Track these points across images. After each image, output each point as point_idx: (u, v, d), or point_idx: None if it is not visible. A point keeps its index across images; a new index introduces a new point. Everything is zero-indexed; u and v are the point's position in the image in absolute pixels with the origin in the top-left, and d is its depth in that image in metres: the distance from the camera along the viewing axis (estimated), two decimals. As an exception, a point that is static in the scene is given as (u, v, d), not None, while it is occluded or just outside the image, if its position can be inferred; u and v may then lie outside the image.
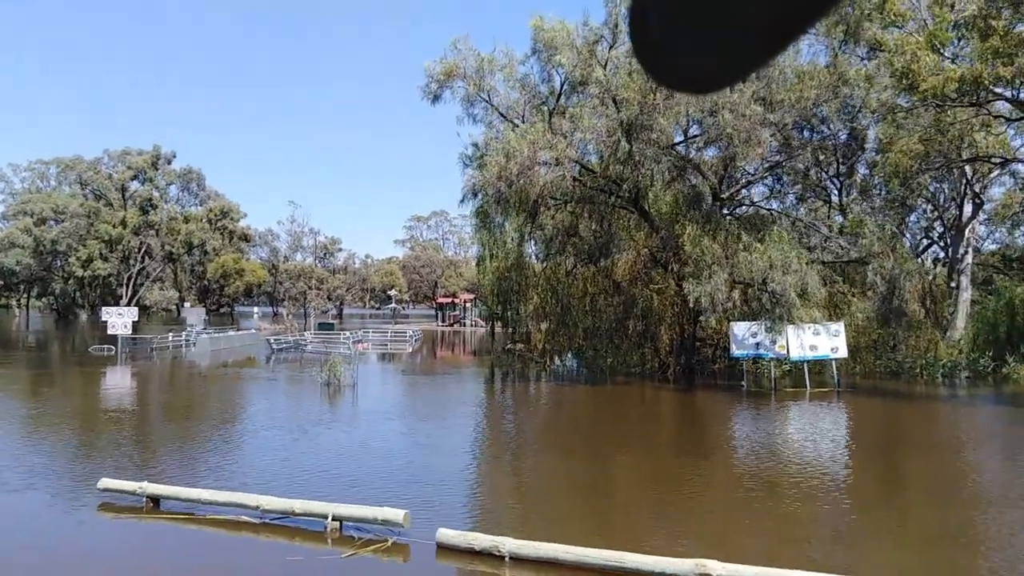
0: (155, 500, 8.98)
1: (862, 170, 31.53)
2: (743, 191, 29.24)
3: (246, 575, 7.41)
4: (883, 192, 31.14)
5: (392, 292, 77.48)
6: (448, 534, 7.44)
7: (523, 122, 23.28)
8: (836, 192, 32.44)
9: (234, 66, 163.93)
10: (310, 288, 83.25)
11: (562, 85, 25.59)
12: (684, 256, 25.41)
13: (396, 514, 7.81)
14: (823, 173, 31.71)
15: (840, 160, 28.98)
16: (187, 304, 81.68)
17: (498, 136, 22.99)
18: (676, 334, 26.91)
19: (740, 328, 23.10)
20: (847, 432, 16.85)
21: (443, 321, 77.48)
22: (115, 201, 70.14)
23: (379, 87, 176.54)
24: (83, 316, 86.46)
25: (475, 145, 24.19)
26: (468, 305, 78.02)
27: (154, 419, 17.41)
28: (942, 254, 38.98)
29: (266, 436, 14.33)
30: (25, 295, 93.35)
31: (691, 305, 21.15)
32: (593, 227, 24.37)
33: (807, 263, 20.35)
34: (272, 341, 37.66)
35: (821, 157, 28.10)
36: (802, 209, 30.12)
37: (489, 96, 23.68)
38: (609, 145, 21.88)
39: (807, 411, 19.23)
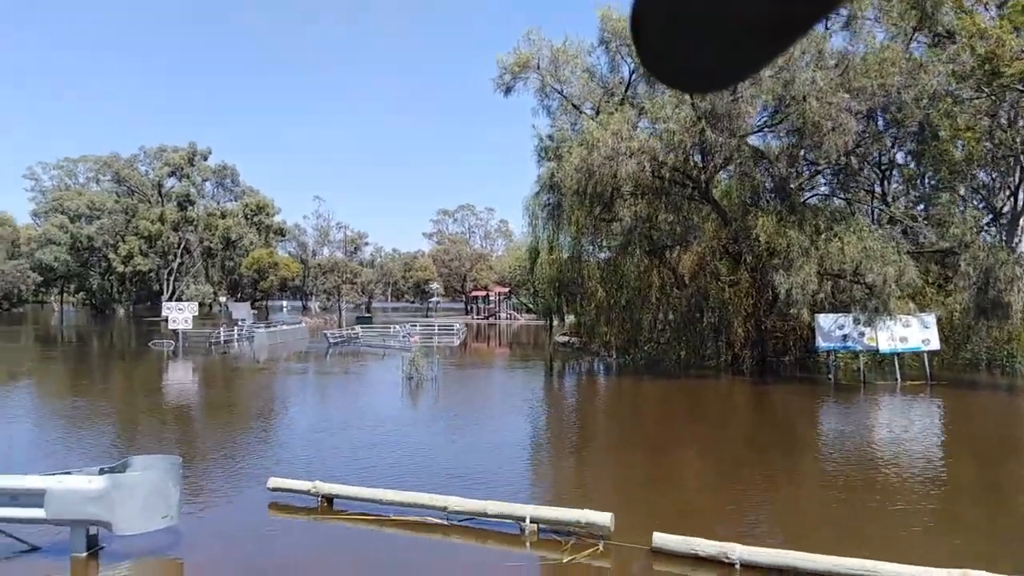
0: (329, 500, 8.73)
1: (902, 159, 30.76)
2: (811, 181, 28.66)
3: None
4: (928, 182, 30.27)
5: (434, 286, 77.18)
6: (666, 539, 7.09)
7: (597, 113, 22.83)
8: (879, 183, 31.62)
9: (255, 57, 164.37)
10: (344, 282, 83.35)
11: (631, 75, 25.15)
12: (759, 248, 24.93)
13: (602, 517, 7.48)
14: (863, 163, 30.91)
15: (912, 148, 28.23)
16: (222, 299, 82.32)
17: (574, 128, 22.55)
18: (751, 327, 26.40)
19: (826, 320, 22.58)
20: (958, 428, 16.33)
21: (478, 314, 77.24)
22: (152, 198, 70.49)
23: (405, 79, 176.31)
24: (120, 312, 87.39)
25: (550, 137, 23.78)
26: (501, 298, 77.81)
27: (266, 418, 17.22)
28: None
29: (380, 434, 14.10)
30: (61, 291, 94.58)
31: (782, 297, 20.61)
32: (669, 219, 23.87)
33: (902, 253, 19.74)
34: (329, 335, 37.60)
35: (891, 146, 27.39)
36: (867, 200, 29.43)
37: (562, 88, 23.25)
38: (692, 135, 21.35)
39: (906, 405, 18.66)
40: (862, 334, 22.05)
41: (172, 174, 67.57)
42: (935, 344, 22.12)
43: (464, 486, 9.61)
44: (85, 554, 6.85)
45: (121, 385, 23.06)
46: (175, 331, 35.01)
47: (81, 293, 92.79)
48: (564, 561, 6.98)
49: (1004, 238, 32.21)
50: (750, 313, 26.53)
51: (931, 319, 21.98)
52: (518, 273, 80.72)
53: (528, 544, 7.57)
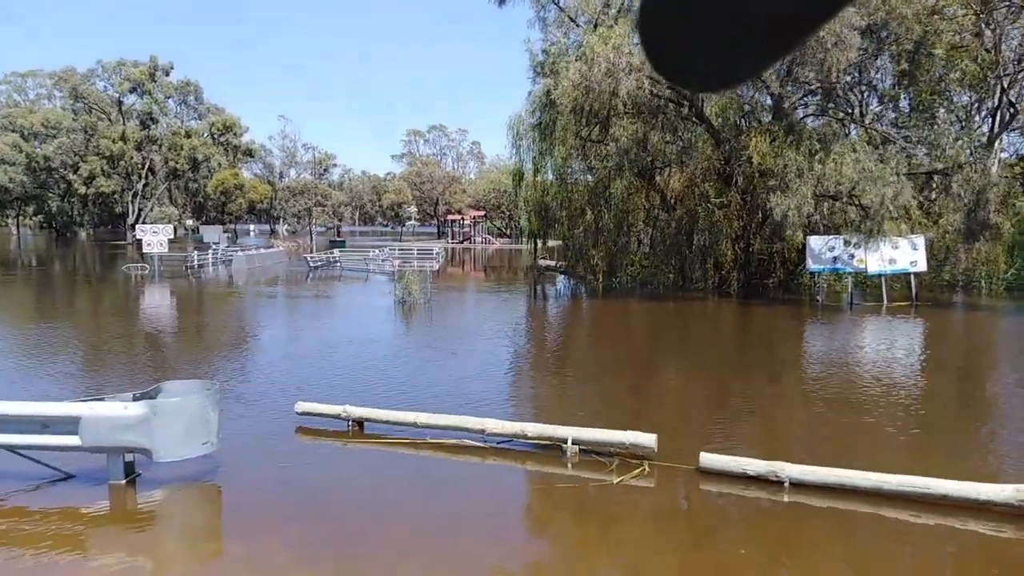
0: (360, 423, 8.57)
1: (888, 79, 30.36)
2: (803, 101, 28.24)
3: (515, 502, 7.04)
4: (909, 104, 29.98)
5: (411, 209, 75.97)
6: (714, 459, 7.08)
7: (595, 27, 21.93)
8: (858, 104, 31.25)
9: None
10: (314, 205, 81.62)
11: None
12: (750, 170, 24.71)
13: (647, 438, 7.44)
14: (857, 82, 30.47)
15: (906, 68, 27.82)
16: (188, 222, 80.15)
17: (571, 42, 21.67)
18: (740, 250, 26.47)
19: (817, 242, 22.67)
20: (956, 346, 16.72)
21: (452, 239, 76.56)
22: (112, 116, 67.26)
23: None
24: (82, 235, 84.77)
25: (545, 52, 22.88)
26: (478, 222, 77.10)
27: (268, 343, 16.88)
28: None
29: (389, 356, 13.94)
30: (18, 214, 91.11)
31: (777, 219, 20.54)
32: (666, 138, 23.41)
33: (902, 174, 19.70)
34: (309, 259, 36.94)
35: (889, 63, 26.97)
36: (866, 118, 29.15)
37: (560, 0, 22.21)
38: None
39: (899, 325, 18.98)
40: (852, 256, 22.23)
41: (133, 90, 64.22)
42: (922, 266, 22.43)
43: (472, 407, 9.52)
44: (124, 481, 6.61)
45: (106, 312, 22.41)
46: (149, 255, 34.01)
47: (39, 216, 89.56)
48: (614, 482, 6.94)
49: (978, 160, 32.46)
50: (739, 236, 26.56)
51: (920, 240, 22.19)
52: (493, 196, 79.86)
53: (570, 466, 7.52)
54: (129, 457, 6.70)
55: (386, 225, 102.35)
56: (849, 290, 22.80)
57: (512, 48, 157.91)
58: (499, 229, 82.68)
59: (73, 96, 65.05)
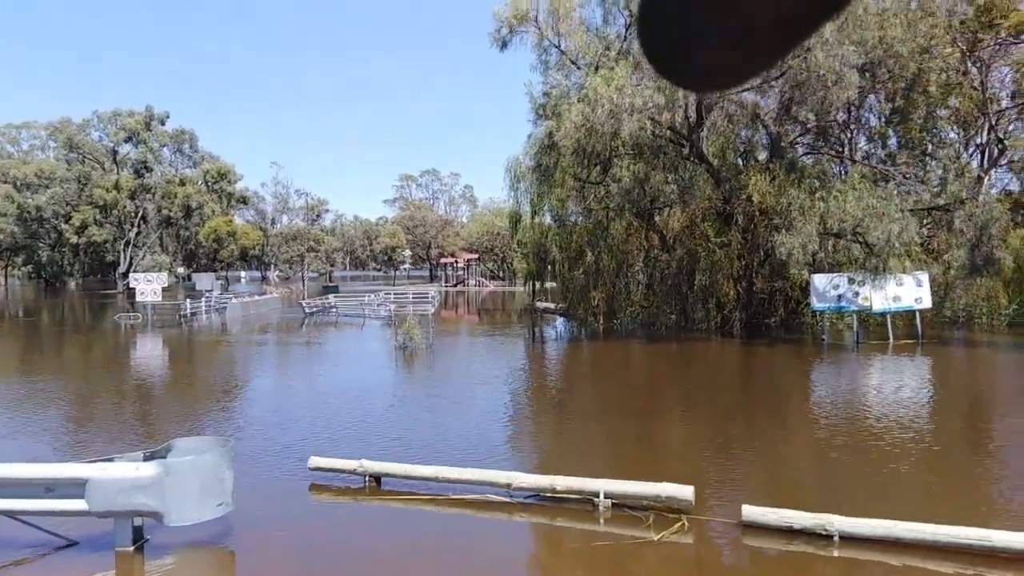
0: (377, 479, 8.15)
1: (875, 117, 30.65)
2: (799, 140, 28.46)
3: (550, 563, 6.61)
4: (895, 141, 30.15)
5: (406, 253, 75.84)
6: (757, 511, 6.71)
7: (596, 69, 22.10)
8: (847, 141, 31.42)
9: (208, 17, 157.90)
10: (307, 250, 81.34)
11: (627, 28, 24.42)
12: (751, 208, 24.73)
13: (684, 491, 7.07)
14: (854, 119, 30.83)
15: (900, 105, 28.13)
16: (179, 270, 79.60)
17: (573, 85, 21.79)
18: (742, 289, 26.31)
19: (821, 280, 22.55)
20: (970, 384, 16.44)
21: (446, 282, 76.33)
22: (106, 165, 67.26)
23: (362, 43, 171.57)
24: (72, 285, 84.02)
25: (546, 95, 22.99)
26: (472, 265, 77.03)
27: (271, 394, 16.44)
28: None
29: (396, 404, 13.53)
30: (7, 264, 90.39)
31: (783, 257, 20.40)
32: (667, 178, 23.41)
33: (906, 211, 19.68)
34: (305, 305, 36.55)
35: (885, 99, 27.27)
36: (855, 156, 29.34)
37: (560, 42, 22.40)
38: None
39: (908, 364, 18.72)
40: (856, 294, 22.12)
41: (128, 139, 64.28)
42: (927, 302, 22.29)
43: (491, 458, 9.14)
44: (132, 548, 6.17)
45: (100, 365, 21.86)
46: (142, 304, 33.55)
47: (28, 266, 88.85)
48: (655, 539, 6.54)
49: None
50: (741, 275, 26.45)
51: (924, 277, 22.10)
52: (486, 239, 79.95)
53: (602, 521, 7.13)
54: (138, 521, 6.27)
55: (379, 269, 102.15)
56: (855, 328, 22.59)
57: (507, 92, 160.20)
58: (492, 272, 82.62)
59: (68, 146, 65.11)
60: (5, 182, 75.56)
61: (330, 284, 70.98)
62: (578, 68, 23.48)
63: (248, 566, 6.40)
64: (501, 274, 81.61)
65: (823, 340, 22.95)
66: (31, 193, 71.33)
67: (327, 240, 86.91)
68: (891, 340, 21.64)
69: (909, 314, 22.98)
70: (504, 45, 22.29)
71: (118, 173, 65.93)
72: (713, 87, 0.60)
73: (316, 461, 8.30)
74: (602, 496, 7.25)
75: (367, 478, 8.12)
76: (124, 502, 5.95)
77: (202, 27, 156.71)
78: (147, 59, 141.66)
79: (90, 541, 6.42)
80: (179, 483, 6.01)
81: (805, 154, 28.19)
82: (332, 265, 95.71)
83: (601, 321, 28.19)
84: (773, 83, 23.92)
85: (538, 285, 35.87)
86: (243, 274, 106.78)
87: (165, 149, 68.67)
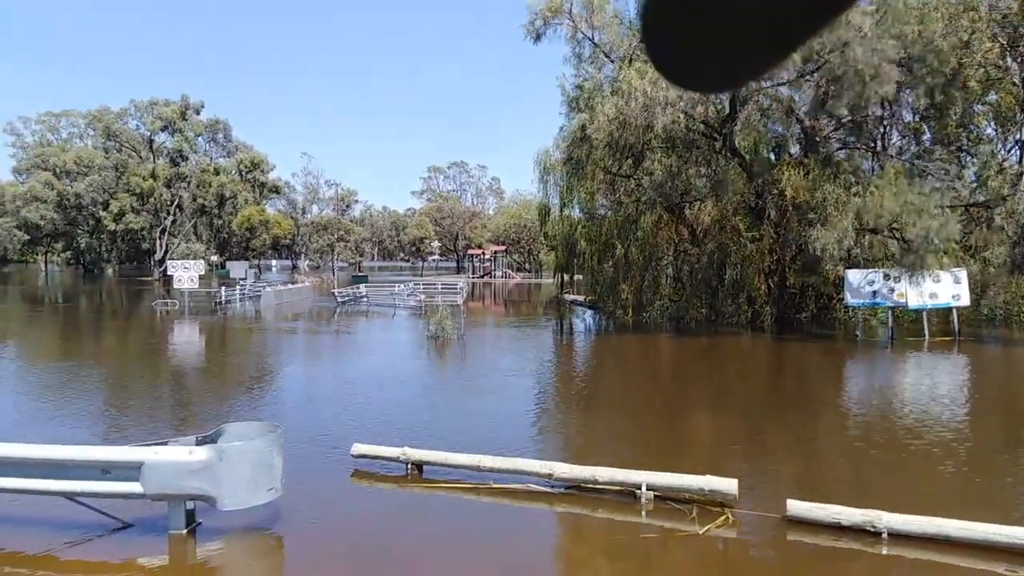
0: (419, 467, 8.26)
1: (906, 114, 30.00)
2: (834, 134, 27.99)
3: (596, 554, 6.64)
4: (929, 137, 29.41)
5: (435, 244, 76.19)
6: (803, 506, 6.68)
7: (630, 62, 21.94)
8: (880, 137, 30.76)
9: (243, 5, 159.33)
10: (337, 240, 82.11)
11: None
12: (783, 203, 24.45)
13: (728, 484, 7.06)
14: (891, 114, 30.21)
15: (940, 100, 27.53)
16: (212, 258, 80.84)
17: (606, 77, 21.67)
18: (773, 284, 26.04)
19: (856, 276, 22.22)
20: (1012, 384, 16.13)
21: (473, 273, 76.53)
22: (142, 153, 68.44)
23: (394, 31, 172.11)
24: (109, 271, 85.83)
25: (580, 87, 22.89)
26: (498, 256, 77.15)
27: (311, 380, 16.68)
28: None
29: (432, 393, 13.66)
30: (47, 251, 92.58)
31: (817, 252, 20.13)
32: (700, 172, 23.23)
33: (945, 207, 19.31)
34: (337, 294, 36.97)
35: (924, 95, 26.67)
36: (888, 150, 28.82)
37: (594, 35, 22.27)
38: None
39: (944, 362, 18.40)
40: (892, 290, 21.76)
41: (164, 128, 65.38)
42: (965, 300, 21.85)
43: (528, 448, 9.18)
44: (185, 531, 6.33)
45: (143, 350, 22.30)
46: (179, 290, 34.20)
47: (67, 252, 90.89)
48: (699, 532, 6.54)
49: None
50: (772, 270, 26.17)
51: (962, 274, 21.67)
52: (513, 231, 79.95)
53: (644, 513, 7.15)
54: (190, 505, 6.43)
55: (407, 260, 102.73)
56: (889, 325, 22.25)
57: (535, 84, 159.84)
58: (518, 263, 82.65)
59: (106, 134, 66.35)
60: (45, 169, 77.28)
61: (359, 274, 71.62)
62: (611, 61, 23.34)
63: (296, 551, 6.53)
64: (527, 266, 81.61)
65: (857, 336, 22.66)
66: (70, 181, 72.89)
67: (357, 230, 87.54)
68: (927, 337, 21.28)
69: (944, 311, 22.59)
70: (538, 37, 22.23)
71: (154, 161, 67.08)
72: (716, 88, 0.60)
73: (359, 448, 8.42)
74: (644, 488, 7.27)
75: (409, 465, 8.23)
76: (178, 486, 6.11)
77: (234, 16, 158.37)
78: (181, 49, 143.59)
79: (144, 524, 6.60)
80: (232, 468, 6.15)
81: (839, 149, 27.74)
82: (361, 255, 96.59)
83: (630, 314, 28.07)
84: (808, 78, 23.56)
85: (566, 277, 35.81)
86: (274, 263, 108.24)
87: (200, 138, 69.73)
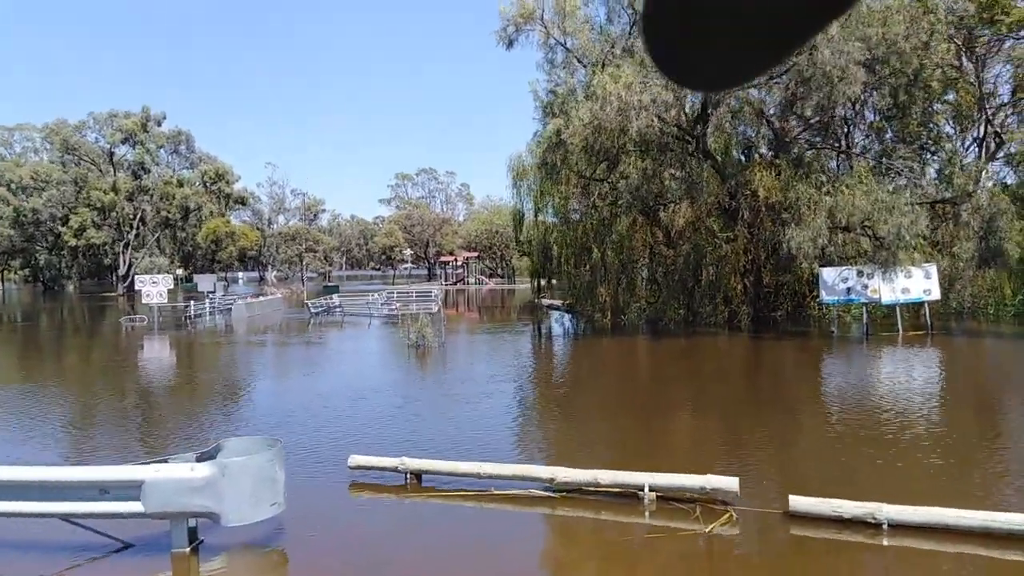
0: (418, 476, 8.19)
1: (870, 115, 30.78)
2: (802, 135, 28.53)
3: (604, 556, 6.64)
4: (891, 135, 30.13)
5: (407, 252, 75.77)
6: (804, 501, 6.76)
7: (603, 67, 22.12)
8: (844, 136, 31.43)
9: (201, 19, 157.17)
10: (305, 250, 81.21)
11: (631, 26, 24.45)
12: (756, 203, 24.84)
13: (729, 482, 7.13)
14: (857, 114, 30.91)
15: (903, 100, 28.25)
16: (177, 271, 79.33)
17: (580, 82, 21.83)
18: (749, 283, 26.42)
19: (830, 274, 22.65)
20: (988, 375, 16.56)
21: (446, 280, 76.30)
22: (102, 166, 66.99)
23: (356, 39, 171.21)
24: (70, 287, 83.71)
25: (553, 93, 23.01)
26: (471, 263, 77.04)
27: (291, 393, 16.44)
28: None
29: (418, 401, 13.56)
30: (3, 268, 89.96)
31: (793, 251, 20.48)
32: (676, 175, 23.49)
33: (915, 204, 19.78)
34: (311, 305, 36.54)
35: (887, 97, 27.35)
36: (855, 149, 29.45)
37: (567, 41, 22.42)
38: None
39: (920, 355, 18.82)
40: (865, 286, 22.23)
41: (125, 141, 64.01)
42: (936, 294, 22.41)
43: (523, 453, 9.17)
44: (188, 549, 6.19)
45: (117, 369, 21.80)
46: (148, 305, 33.49)
47: (25, 270, 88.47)
48: (706, 531, 6.58)
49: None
50: (747, 269, 26.56)
51: (932, 269, 22.22)
52: (484, 237, 79.94)
53: (647, 514, 7.18)
54: (192, 522, 6.29)
55: (377, 269, 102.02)
56: (864, 321, 22.71)
57: (503, 90, 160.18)
58: (491, 269, 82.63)
59: (64, 148, 64.79)
60: (0, 185, 75.20)
61: (330, 284, 70.93)
62: (583, 66, 23.53)
63: (301, 566, 6.43)
64: (500, 272, 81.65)
65: (832, 332, 23.08)
66: (27, 196, 71.00)
67: (325, 240, 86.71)
68: (900, 332, 21.76)
69: (915, 306, 23.14)
70: (510, 43, 22.32)
71: (115, 175, 65.70)
72: (716, 87, 0.61)
73: (356, 459, 8.32)
74: (647, 489, 7.30)
75: (408, 475, 8.15)
76: (181, 503, 5.97)
77: (196, 26, 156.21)
78: (140, 60, 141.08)
79: (144, 543, 6.44)
80: (234, 483, 6.04)
81: (808, 149, 28.27)
82: (330, 265, 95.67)
83: (608, 317, 28.22)
84: (778, 80, 23.99)
85: (543, 282, 35.88)
86: (241, 275, 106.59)
87: (162, 150, 68.47)
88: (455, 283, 73.77)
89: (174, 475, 5.99)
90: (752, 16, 0.51)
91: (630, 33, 24.16)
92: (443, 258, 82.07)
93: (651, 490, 7.32)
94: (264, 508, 6.24)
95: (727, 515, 6.90)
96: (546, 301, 37.31)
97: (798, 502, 6.79)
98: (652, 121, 21.07)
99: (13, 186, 73.13)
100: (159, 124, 65.93)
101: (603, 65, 21.97)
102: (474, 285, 71.69)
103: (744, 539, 6.64)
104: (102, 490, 6.05)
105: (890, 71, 25.09)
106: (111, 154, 66.75)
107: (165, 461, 6.42)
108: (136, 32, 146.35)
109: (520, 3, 21.84)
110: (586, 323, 28.85)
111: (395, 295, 42.62)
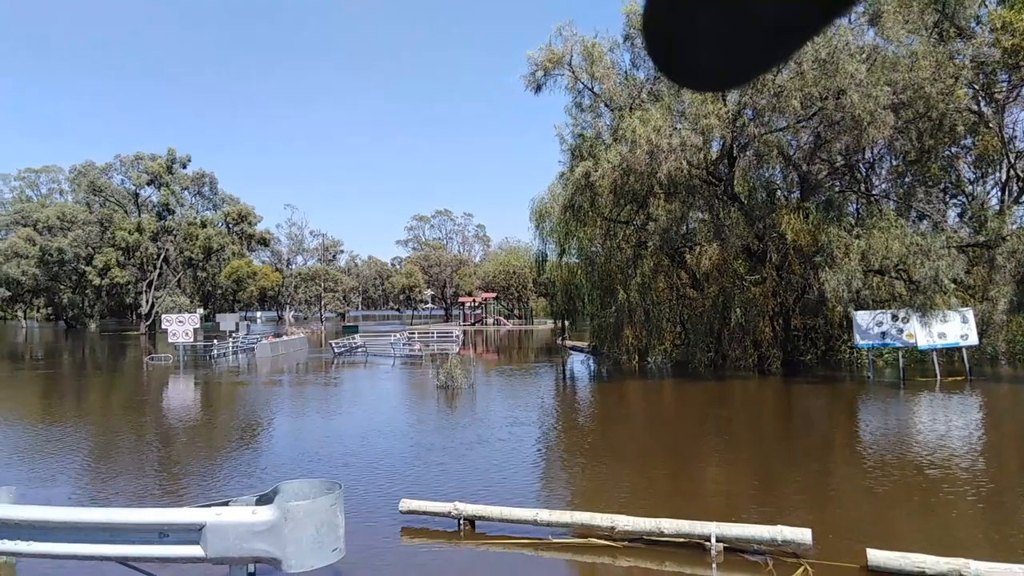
0: (471, 522, 7.95)
1: (892, 158, 30.74)
2: (828, 178, 28.50)
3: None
4: (907, 178, 30.00)
5: (428, 293, 75.93)
6: (883, 556, 6.47)
7: (631, 111, 22.29)
8: (863, 180, 31.33)
9: (220, 58, 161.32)
10: (324, 291, 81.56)
11: (657, 70, 24.69)
12: (784, 247, 24.69)
13: (801, 534, 6.84)
14: (884, 159, 30.93)
15: (929, 144, 28.23)
16: (199, 311, 79.83)
17: (607, 126, 21.99)
18: (779, 327, 26.11)
19: (864, 317, 22.32)
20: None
21: (464, 320, 76.21)
22: (128, 207, 68.13)
23: (375, 82, 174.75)
24: (92, 325, 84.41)
25: (581, 136, 23.17)
26: (488, 303, 77.02)
27: (330, 435, 16.25)
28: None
29: (455, 444, 13.32)
30: (27, 307, 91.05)
31: (828, 294, 20.25)
32: (704, 218, 23.44)
33: (952, 247, 19.56)
34: (334, 345, 36.53)
35: (917, 139, 27.35)
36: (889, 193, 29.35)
37: (594, 85, 22.66)
38: (732, 130, 20.96)
39: (962, 402, 18.37)
40: (900, 331, 21.88)
41: (151, 182, 65.26)
42: (973, 339, 22.00)
43: (575, 499, 8.89)
44: (247, 596, 5.98)
45: (151, 408, 21.71)
46: (174, 344, 33.61)
47: (48, 308, 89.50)
48: (781, 585, 6.30)
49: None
50: (776, 312, 26.27)
51: (969, 314, 21.86)
52: (502, 278, 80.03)
53: (715, 566, 6.89)
54: (251, 567, 6.09)
55: (396, 309, 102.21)
56: (900, 366, 22.28)
57: (523, 133, 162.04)
58: (508, 310, 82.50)
59: (91, 189, 66.04)
60: (25, 225, 76.57)
61: (349, 324, 71.03)
62: (610, 110, 23.73)
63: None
64: (518, 312, 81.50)
65: (868, 377, 22.62)
66: (52, 236, 72.21)
67: (344, 280, 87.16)
68: (939, 377, 21.31)
69: (949, 351, 22.72)
70: (538, 88, 22.61)
71: (140, 216, 66.73)
72: (716, 87, 0.60)
73: (408, 504, 8.11)
74: (714, 539, 7.02)
75: (461, 521, 7.92)
76: (242, 548, 5.78)
77: (216, 70, 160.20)
78: (158, 104, 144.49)
79: (200, 589, 6.24)
80: (297, 528, 5.85)
81: (838, 192, 28.22)
82: (348, 305, 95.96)
83: (635, 360, 27.91)
84: (805, 123, 24.08)
85: (567, 323, 35.71)
86: (259, 314, 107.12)
87: (186, 192, 69.58)
88: (473, 323, 73.69)
89: (235, 519, 5.82)
90: (751, 17, 0.51)
91: (656, 78, 24.40)
92: (461, 299, 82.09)
93: (718, 540, 7.04)
94: (326, 553, 6.03)
95: (801, 568, 6.61)
96: (568, 343, 37.08)
97: (877, 556, 6.49)
98: (681, 164, 21.12)
99: (39, 226, 74.49)
100: (184, 166, 67.17)
101: (630, 109, 22.14)
102: (492, 326, 71.54)
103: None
104: (161, 533, 5.88)
105: (915, 115, 25.16)
106: (136, 195, 67.97)
107: (226, 504, 6.25)
108: (155, 72, 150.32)
109: (548, 49, 22.16)
110: (612, 366, 28.54)
111: (416, 335, 42.56)
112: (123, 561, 6.03)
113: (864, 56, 22.73)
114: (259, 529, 5.77)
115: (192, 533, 5.81)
